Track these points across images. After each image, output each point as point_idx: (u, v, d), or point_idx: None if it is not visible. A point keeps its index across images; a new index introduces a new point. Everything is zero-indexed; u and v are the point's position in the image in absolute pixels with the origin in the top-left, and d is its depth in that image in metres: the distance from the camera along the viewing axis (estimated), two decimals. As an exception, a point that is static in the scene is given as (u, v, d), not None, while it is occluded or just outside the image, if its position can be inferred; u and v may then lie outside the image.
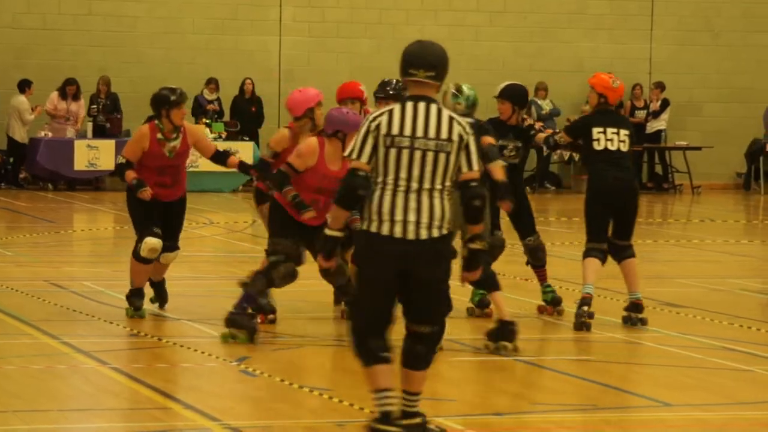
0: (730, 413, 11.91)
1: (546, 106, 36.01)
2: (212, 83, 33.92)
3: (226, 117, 34.38)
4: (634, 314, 14.36)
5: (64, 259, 22.51)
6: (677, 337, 14.98)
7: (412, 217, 8.75)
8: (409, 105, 8.87)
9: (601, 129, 14.19)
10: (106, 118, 33.03)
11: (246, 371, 13.24)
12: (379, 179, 8.82)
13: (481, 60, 36.22)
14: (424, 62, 8.98)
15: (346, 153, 9.37)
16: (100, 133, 32.61)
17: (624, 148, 14.20)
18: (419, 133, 8.73)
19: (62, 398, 12.12)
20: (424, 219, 8.73)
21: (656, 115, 36.78)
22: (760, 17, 38.88)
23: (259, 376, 13.02)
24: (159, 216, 14.73)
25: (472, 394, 12.94)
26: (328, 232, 9.16)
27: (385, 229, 8.76)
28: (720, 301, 16.60)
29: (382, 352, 9.00)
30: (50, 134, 31.98)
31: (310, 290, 16.98)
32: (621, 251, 14.35)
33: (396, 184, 8.77)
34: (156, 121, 14.58)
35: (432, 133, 8.73)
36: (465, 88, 14.04)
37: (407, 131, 8.75)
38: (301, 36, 35.62)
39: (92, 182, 32.87)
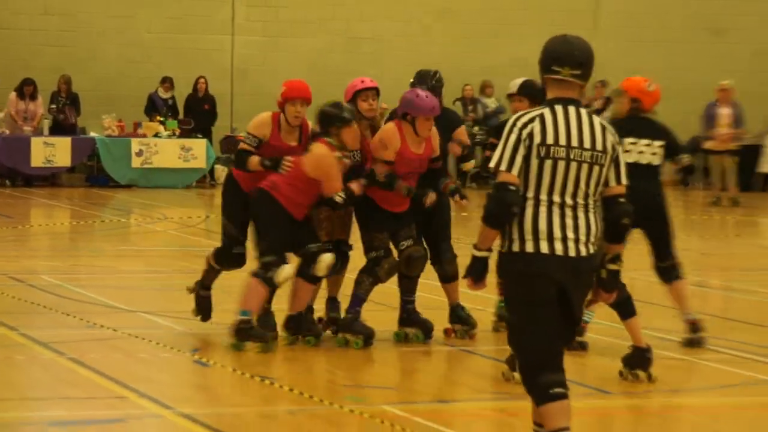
0: (666, 400, 12.32)
1: (492, 104, 36.10)
2: (167, 82, 33.90)
3: (180, 115, 34.26)
4: (694, 335, 13.33)
5: (22, 254, 22.32)
6: (615, 327, 14.62)
7: (571, 234, 7.95)
8: (560, 110, 7.97)
9: (633, 139, 13.14)
10: (67, 115, 32.98)
11: (199, 361, 13.39)
12: (530, 194, 7.94)
13: (432, 56, 33.73)
14: (572, 59, 8.07)
15: (492, 164, 8.39)
16: (56, 130, 32.69)
17: (655, 161, 13.12)
18: (574, 142, 7.89)
19: (21, 388, 12.20)
20: (582, 236, 7.95)
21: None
22: (702, 15, 39.48)
23: (212, 366, 13.11)
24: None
25: (420, 383, 13.20)
26: (477, 253, 8.17)
27: (544, 248, 7.91)
28: (660, 293, 15.66)
29: (555, 388, 8.07)
30: (7, 131, 31.98)
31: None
32: (665, 272, 13.34)
33: (550, 200, 7.93)
34: (327, 138, 14.08)
35: (587, 143, 7.91)
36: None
37: (562, 140, 7.91)
38: (255, 35, 35.76)
39: (49, 179, 32.78)
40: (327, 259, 13.39)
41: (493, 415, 12.77)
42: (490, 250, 8.08)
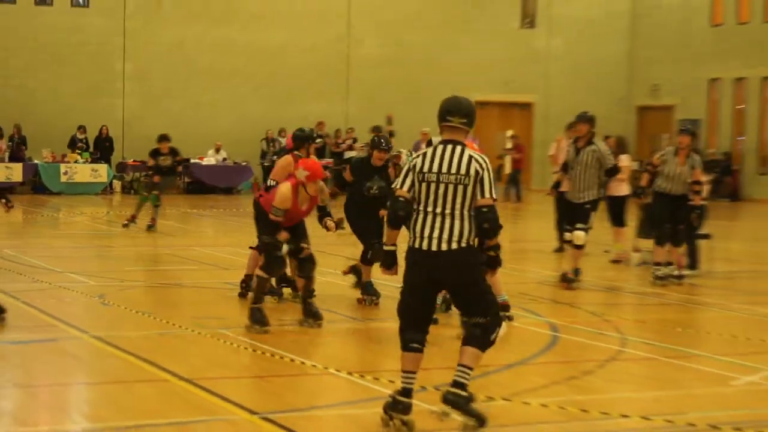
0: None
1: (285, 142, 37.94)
2: (82, 128, 39.54)
3: (91, 149, 39.94)
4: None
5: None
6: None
7: (435, 234, 9.24)
8: (440, 147, 9.50)
9: None
10: (20, 150, 39.03)
11: (105, 303, 15.75)
12: (418, 206, 9.38)
13: (255, 113, 42.22)
14: (460, 111, 9.68)
15: (394, 185, 10.11)
16: (12, 159, 38.59)
17: None
18: (444, 170, 9.30)
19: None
20: (445, 235, 9.19)
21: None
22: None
23: (112, 306, 15.37)
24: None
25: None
26: (386, 248, 9.63)
27: (416, 244, 9.30)
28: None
29: (412, 343, 9.44)
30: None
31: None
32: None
33: (425, 210, 9.34)
34: (296, 152, 15.17)
35: (454, 169, 9.27)
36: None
37: (435, 168, 9.33)
38: (136, 99, 41.37)
39: (8, 189, 29.50)
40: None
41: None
42: (394, 245, 9.65)
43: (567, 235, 18.21)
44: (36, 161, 38.81)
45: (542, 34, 46.61)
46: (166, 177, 25.65)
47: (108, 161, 39.91)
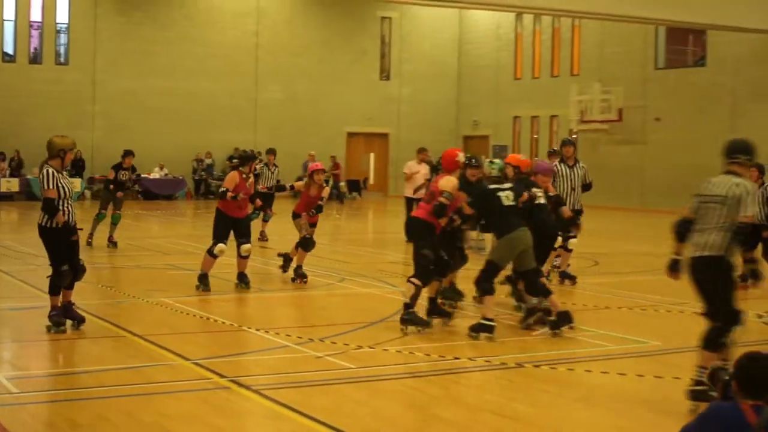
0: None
1: (209, 161, 41.70)
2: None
3: (69, 167, 38.44)
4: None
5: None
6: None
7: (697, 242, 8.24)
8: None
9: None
10: (18, 168, 38.45)
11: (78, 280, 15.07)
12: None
13: (180, 138, 41.43)
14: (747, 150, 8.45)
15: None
16: (12, 175, 38.15)
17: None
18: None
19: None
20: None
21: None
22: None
23: (85, 282, 14.33)
24: (231, 226, 14.42)
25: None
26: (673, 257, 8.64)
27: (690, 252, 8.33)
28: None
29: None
30: (-11, 177, 35.85)
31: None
32: None
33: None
34: (240, 168, 14.70)
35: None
36: (497, 160, 12.32)
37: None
38: (100, 133, 40.16)
39: (8, 197, 36.62)
40: (221, 246, 14.22)
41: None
42: (679, 254, 8.68)
43: (571, 242, 16.13)
44: (29, 176, 37.92)
45: (395, 85, 46.66)
46: (124, 192, 21.48)
47: (81, 176, 39.33)
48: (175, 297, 13.96)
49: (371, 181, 45.43)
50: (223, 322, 12.12)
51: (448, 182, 11.57)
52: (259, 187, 21.27)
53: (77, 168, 38.94)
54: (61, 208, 10.83)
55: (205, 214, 33.62)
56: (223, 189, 14.52)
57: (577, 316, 12.26)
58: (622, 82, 39.68)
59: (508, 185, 11.85)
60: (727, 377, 4.91)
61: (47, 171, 10.89)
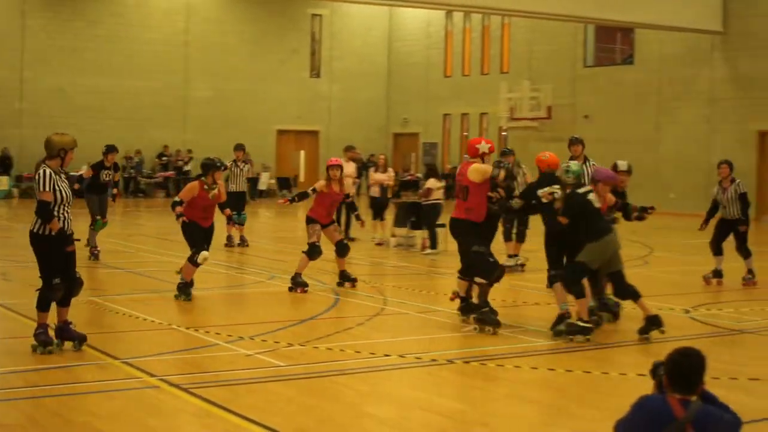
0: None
1: (138, 159, 41.40)
2: None
3: None
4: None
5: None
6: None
7: None
8: None
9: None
10: None
11: (5, 279, 16.44)
12: None
13: (110, 140, 36.19)
14: None
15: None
16: None
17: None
18: None
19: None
20: None
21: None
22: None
23: (12, 281, 15.52)
24: (203, 234, 13.73)
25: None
26: None
27: None
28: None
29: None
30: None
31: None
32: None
33: None
34: (203, 178, 13.83)
35: None
36: (573, 165, 11.67)
37: None
38: (30, 130, 38.87)
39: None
40: (205, 254, 13.51)
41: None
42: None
43: None
44: (-42, 175, 37.53)
45: (325, 82, 46.68)
46: (102, 195, 18.76)
47: (9, 174, 39.19)
48: (105, 296, 13.90)
49: (301, 179, 45.05)
50: (153, 321, 12.04)
51: (476, 171, 11.53)
52: (230, 187, 20.57)
53: (4, 166, 38.93)
54: (56, 213, 9.89)
55: (134, 212, 33.82)
56: (176, 199, 13.79)
57: (507, 312, 12.37)
58: (552, 80, 40.04)
59: (588, 188, 11.63)
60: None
61: (43, 171, 9.83)
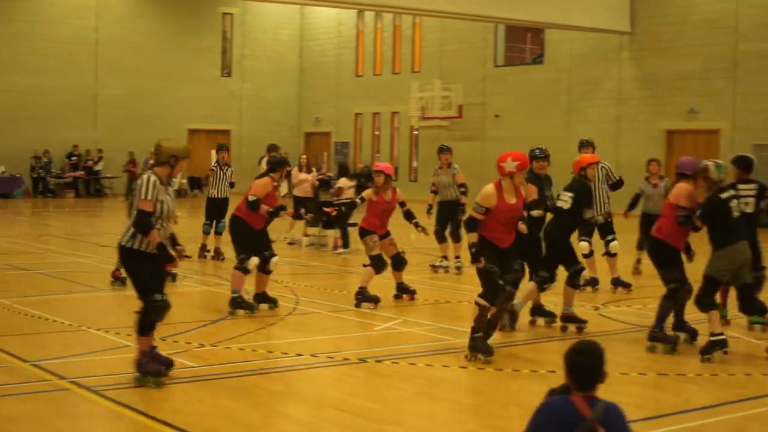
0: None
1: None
2: None
3: None
4: None
5: None
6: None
7: None
8: None
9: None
10: None
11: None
12: None
13: (21, 140, 40.75)
14: None
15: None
16: None
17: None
18: None
19: None
20: None
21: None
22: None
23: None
24: (255, 238, 12.81)
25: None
26: None
27: None
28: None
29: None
30: None
31: None
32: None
33: None
34: (272, 175, 12.86)
35: None
36: (721, 161, 10.89)
37: None
38: None
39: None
40: (255, 260, 12.52)
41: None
42: None
43: (612, 246, 15.42)
44: None
45: (237, 81, 46.44)
46: None
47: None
48: (13, 298, 13.70)
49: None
50: (63, 323, 11.89)
51: (482, 192, 10.28)
52: (212, 193, 19.02)
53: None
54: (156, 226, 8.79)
55: (42, 212, 33.49)
56: (252, 198, 12.64)
57: (418, 310, 12.46)
58: (462, 80, 40.24)
59: (731, 192, 10.79)
60: None
61: (148, 178, 8.79)
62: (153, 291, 8.72)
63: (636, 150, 33.25)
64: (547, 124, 37.11)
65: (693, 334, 11.14)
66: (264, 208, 12.61)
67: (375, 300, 13.44)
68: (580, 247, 14.79)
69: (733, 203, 10.66)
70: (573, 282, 11.82)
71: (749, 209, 11.83)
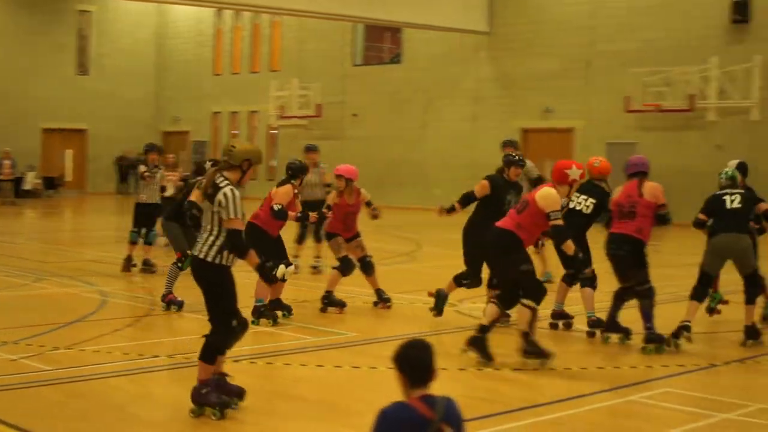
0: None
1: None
2: None
3: None
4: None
5: None
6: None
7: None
8: None
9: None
10: None
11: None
12: None
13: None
14: None
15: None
16: None
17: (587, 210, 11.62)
18: None
19: None
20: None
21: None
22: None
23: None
24: (274, 246, 12.39)
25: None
26: None
27: None
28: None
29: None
30: None
31: None
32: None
33: None
34: (293, 182, 12.51)
35: None
36: (727, 169, 11.62)
37: None
38: None
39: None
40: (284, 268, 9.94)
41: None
42: None
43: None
44: None
45: (93, 80, 45.78)
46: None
47: None
48: None
49: (68, 178, 43.86)
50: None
51: (546, 198, 10.03)
52: (143, 198, 17.54)
53: None
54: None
55: None
56: (278, 206, 12.13)
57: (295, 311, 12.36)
58: (321, 79, 40.39)
59: (736, 190, 11.47)
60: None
61: (232, 191, 7.91)
62: (235, 313, 8.03)
63: (492, 148, 33.45)
64: (405, 124, 37.68)
65: (627, 333, 11.32)
66: (292, 215, 12.30)
67: (341, 304, 13.25)
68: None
69: (728, 197, 11.39)
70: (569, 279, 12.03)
71: None
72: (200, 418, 7.91)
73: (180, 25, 46.79)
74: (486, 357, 10.04)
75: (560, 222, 9.98)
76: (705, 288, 11.35)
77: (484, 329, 10.13)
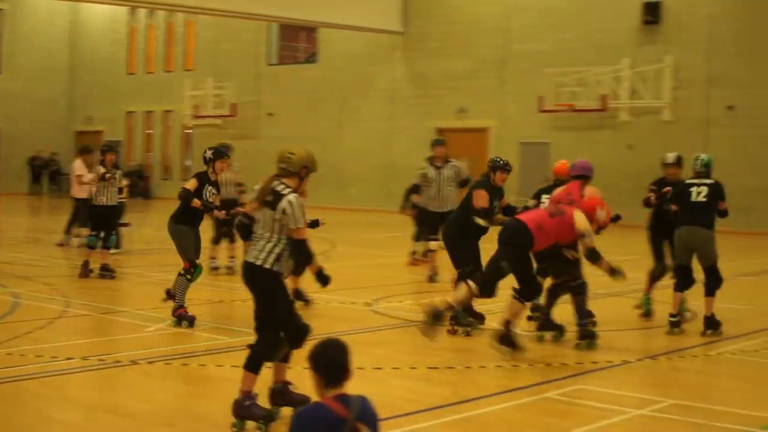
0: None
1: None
2: None
3: None
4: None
5: None
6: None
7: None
8: None
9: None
10: None
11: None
12: None
13: None
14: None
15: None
16: None
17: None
18: None
19: None
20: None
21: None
22: None
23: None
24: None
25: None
26: None
27: None
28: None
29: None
30: None
31: None
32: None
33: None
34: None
35: None
36: (703, 155, 12.01)
37: None
38: None
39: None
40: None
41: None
42: None
43: (432, 244, 15.61)
44: None
45: (6, 79, 45.37)
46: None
47: None
48: None
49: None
50: None
51: (582, 222, 10.63)
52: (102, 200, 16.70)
53: None
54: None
55: None
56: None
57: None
58: (236, 78, 40.45)
59: (705, 181, 12.01)
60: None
61: (296, 200, 7.74)
62: (285, 322, 7.77)
63: (408, 148, 33.98)
64: (320, 123, 37.94)
65: (561, 330, 11.51)
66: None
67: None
68: (431, 245, 15.63)
69: (695, 189, 12.01)
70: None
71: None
72: (96, 413, 7.95)
73: (94, 23, 46.62)
74: (517, 349, 10.41)
75: (593, 244, 10.50)
76: (684, 279, 11.98)
77: (508, 324, 10.47)
